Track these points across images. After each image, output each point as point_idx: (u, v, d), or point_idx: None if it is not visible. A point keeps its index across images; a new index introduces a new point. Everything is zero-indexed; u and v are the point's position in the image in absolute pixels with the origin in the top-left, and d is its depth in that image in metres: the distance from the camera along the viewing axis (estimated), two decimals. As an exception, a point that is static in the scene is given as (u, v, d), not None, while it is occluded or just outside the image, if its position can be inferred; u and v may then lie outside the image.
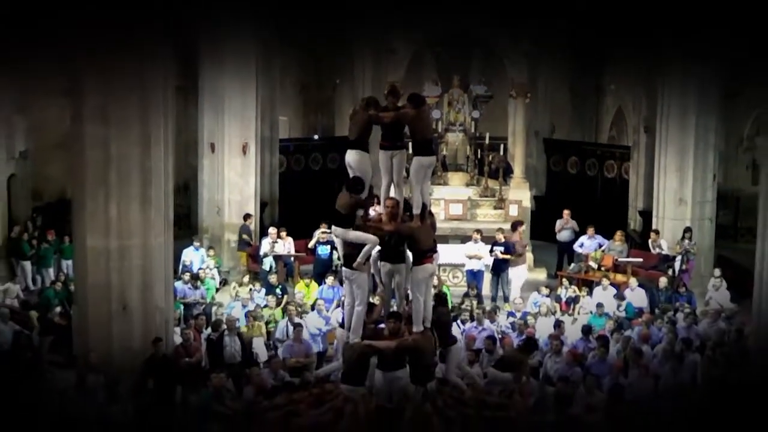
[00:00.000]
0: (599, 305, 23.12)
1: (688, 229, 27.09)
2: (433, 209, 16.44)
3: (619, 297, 23.83)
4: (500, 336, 21.32)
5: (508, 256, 26.33)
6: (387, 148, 15.72)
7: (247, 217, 28.42)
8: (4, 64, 26.34)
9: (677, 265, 26.32)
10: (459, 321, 21.91)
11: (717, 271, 25.08)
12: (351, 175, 15.72)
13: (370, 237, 15.38)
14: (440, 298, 16.70)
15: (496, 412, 16.11)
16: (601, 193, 33.53)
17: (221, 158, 28.86)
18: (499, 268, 26.41)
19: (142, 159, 18.94)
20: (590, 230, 27.70)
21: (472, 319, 22.18)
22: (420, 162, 15.70)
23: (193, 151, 29.25)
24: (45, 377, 18.59)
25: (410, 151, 15.98)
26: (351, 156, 15.72)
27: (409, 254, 15.71)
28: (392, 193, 15.86)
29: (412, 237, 15.62)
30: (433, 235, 15.97)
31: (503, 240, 26.47)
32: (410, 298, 15.82)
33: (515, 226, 27.24)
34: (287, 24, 30.60)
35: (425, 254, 15.62)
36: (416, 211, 15.67)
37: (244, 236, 27.98)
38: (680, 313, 22.69)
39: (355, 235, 15.49)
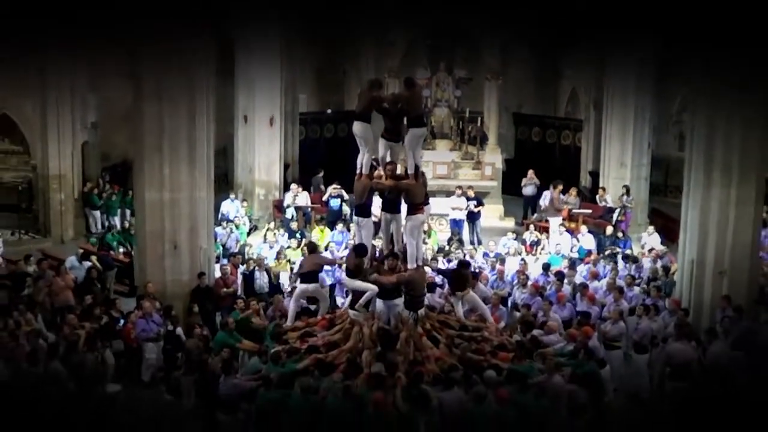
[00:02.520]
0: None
1: (626, 187, 27.10)
2: (422, 170, 16.32)
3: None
4: (477, 271, 21.28)
5: (480, 208, 26.35)
6: (387, 139, 15.78)
7: (318, 171, 28.71)
8: (79, 51, 26.22)
9: (615, 215, 26.30)
10: (446, 260, 21.91)
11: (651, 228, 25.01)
12: (358, 142, 15.68)
13: (371, 286, 15.40)
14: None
15: (474, 333, 16.13)
16: (558, 157, 33.43)
17: (253, 128, 28.80)
18: (473, 217, 26.37)
19: (188, 129, 18.95)
20: (552, 186, 27.56)
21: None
22: (414, 133, 15.75)
23: (230, 122, 29.08)
24: (112, 305, 18.63)
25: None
26: (357, 126, 15.71)
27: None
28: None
29: (407, 191, 15.57)
30: (424, 190, 15.91)
31: (473, 195, 26.45)
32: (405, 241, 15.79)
33: (555, 185, 27.28)
34: (306, 20, 30.40)
35: (417, 206, 15.58)
36: (410, 171, 15.63)
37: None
38: (620, 254, 22.74)
39: (358, 284, 15.53)
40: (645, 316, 17.40)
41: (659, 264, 21.45)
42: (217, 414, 14.09)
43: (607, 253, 22.95)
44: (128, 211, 26.83)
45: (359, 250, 15.62)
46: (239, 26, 28.00)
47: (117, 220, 27.17)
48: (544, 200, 27.50)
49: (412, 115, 15.84)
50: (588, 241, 24.18)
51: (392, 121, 15.69)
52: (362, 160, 15.76)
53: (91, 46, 26.28)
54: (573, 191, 27.34)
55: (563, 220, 26.11)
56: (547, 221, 26.63)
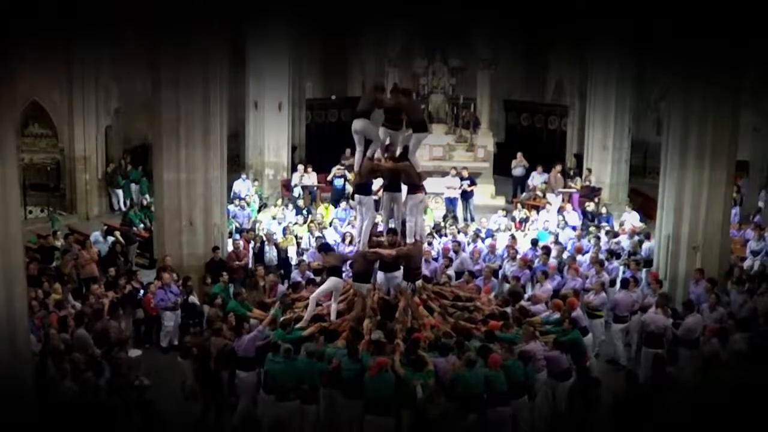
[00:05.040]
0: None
1: (589, 170, 27.37)
2: (419, 152, 16.26)
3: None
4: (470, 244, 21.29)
5: (473, 187, 26.34)
6: (387, 127, 15.72)
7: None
8: (104, 45, 26.18)
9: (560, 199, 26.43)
10: (439, 235, 21.94)
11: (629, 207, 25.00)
12: (356, 140, 15.74)
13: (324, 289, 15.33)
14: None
15: (467, 303, 16.15)
16: (545, 141, 33.35)
17: (262, 113, 28.74)
18: (466, 196, 26.36)
19: (203, 113, 18.97)
20: (539, 168, 27.81)
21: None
22: (418, 137, 15.79)
23: (242, 107, 29.03)
24: (133, 276, 18.68)
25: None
26: (358, 123, 15.65)
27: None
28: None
29: (405, 173, 15.54)
30: (419, 173, 15.86)
31: (467, 175, 26.43)
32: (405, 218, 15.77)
33: (549, 169, 27.34)
34: (314, 13, 30.32)
35: (415, 187, 15.58)
36: (412, 158, 15.67)
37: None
38: (602, 231, 22.68)
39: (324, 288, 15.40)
40: (624, 291, 17.36)
41: (636, 239, 21.43)
42: (238, 372, 14.17)
43: (591, 229, 22.93)
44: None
45: (325, 248, 16.07)
46: (251, 18, 27.92)
47: (142, 198, 27.12)
48: (533, 180, 27.57)
49: (414, 120, 15.85)
50: (573, 218, 24.17)
51: (392, 112, 15.65)
52: (359, 157, 15.84)
53: (115, 37, 26.29)
54: (558, 167, 27.40)
55: (535, 197, 26.29)
56: (534, 199, 26.66)
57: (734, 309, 16.78)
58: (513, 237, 21.61)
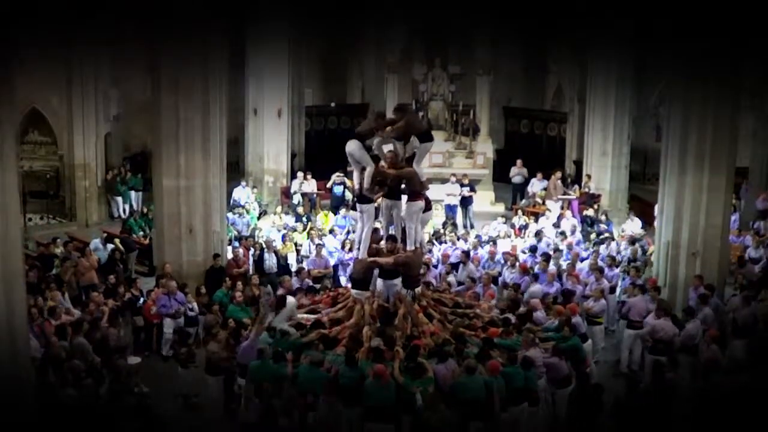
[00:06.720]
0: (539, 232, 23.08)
1: (588, 176, 27.54)
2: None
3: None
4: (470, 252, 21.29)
5: (472, 194, 26.35)
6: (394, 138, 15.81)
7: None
8: (103, 50, 26.21)
9: (558, 206, 26.45)
10: (439, 242, 21.95)
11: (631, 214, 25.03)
12: (350, 160, 15.74)
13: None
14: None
15: (467, 310, 16.15)
16: (545, 147, 33.40)
17: (262, 119, 28.75)
18: (466, 202, 26.37)
19: (203, 119, 19.01)
20: (539, 175, 27.88)
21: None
22: (424, 147, 15.77)
23: (241, 113, 29.05)
24: (133, 284, 18.69)
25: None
26: (350, 145, 15.60)
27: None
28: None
29: (407, 179, 15.55)
30: (421, 180, 15.86)
31: (467, 182, 26.45)
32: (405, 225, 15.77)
33: (549, 176, 27.40)
34: (313, 20, 30.38)
35: (416, 194, 15.57)
36: (416, 167, 15.69)
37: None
38: (602, 236, 22.70)
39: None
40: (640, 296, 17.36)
41: (636, 245, 21.42)
42: (239, 380, 14.21)
43: (592, 236, 22.93)
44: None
45: (251, 302, 16.79)
46: (251, 24, 27.97)
47: (143, 206, 27.11)
48: (532, 187, 27.60)
49: (419, 132, 15.82)
50: (572, 224, 24.13)
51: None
52: (358, 176, 15.81)
53: (114, 43, 26.32)
54: (557, 174, 27.45)
55: (561, 207, 26.25)
56: (534, 206, 26.67)
57: (736, 314, 16.80)
58: (494, 243, 21.59)
